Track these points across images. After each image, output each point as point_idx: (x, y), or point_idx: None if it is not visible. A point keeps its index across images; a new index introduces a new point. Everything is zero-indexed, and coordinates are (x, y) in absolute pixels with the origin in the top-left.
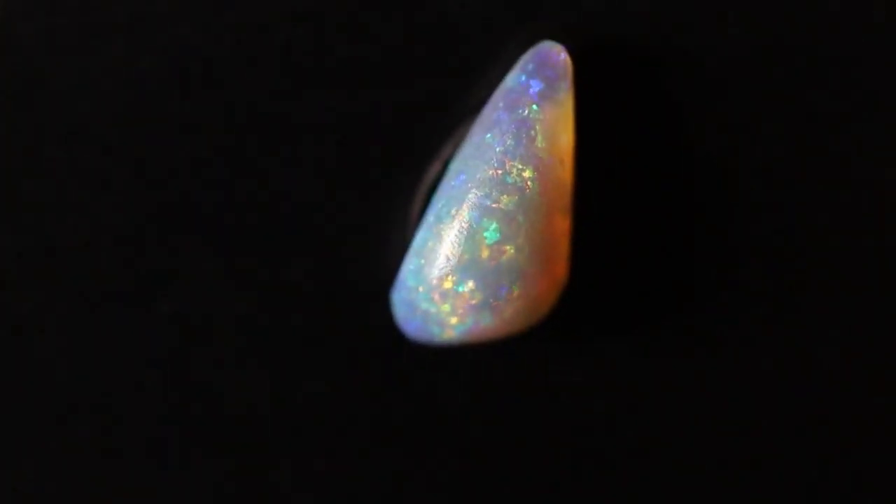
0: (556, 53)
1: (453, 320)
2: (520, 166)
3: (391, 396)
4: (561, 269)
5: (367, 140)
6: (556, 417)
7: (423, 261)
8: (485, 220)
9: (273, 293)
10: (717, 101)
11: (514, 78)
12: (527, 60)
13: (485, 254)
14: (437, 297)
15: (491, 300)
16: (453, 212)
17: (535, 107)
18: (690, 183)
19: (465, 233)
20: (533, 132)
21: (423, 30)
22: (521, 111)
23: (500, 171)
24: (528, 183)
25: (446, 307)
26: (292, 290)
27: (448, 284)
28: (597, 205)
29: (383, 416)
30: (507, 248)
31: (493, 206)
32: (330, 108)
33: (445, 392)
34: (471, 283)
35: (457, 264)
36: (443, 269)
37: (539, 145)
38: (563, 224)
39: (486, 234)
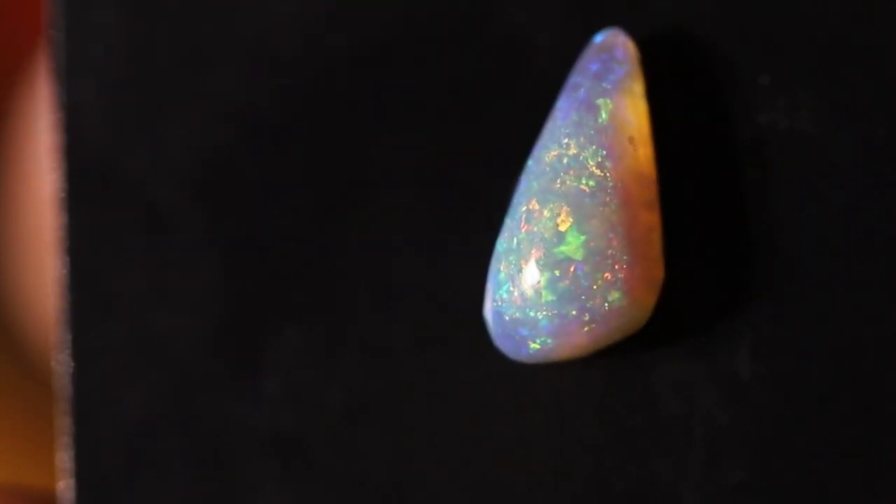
0: (614, 37)
1: (542, 322)
2: (585, 147)
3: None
4: (655, 267)
5: (447, 175)
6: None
7: (501, 265)
8: (552, 205)
9: (373, 354)
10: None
11: (575, 65)
12: (586, 49)
13: (560, 243)
14: (519, 300)
15: (574, 289)
16: (523, 207)
17: (594, 87)
18: (765, 178)
19: (537, 224)
20: (593, 112)
21: (489, 52)
22: (580, 92)
23: (561, 152)
24: (595, 164)
25: (532, 310)
26: (393, 346)
27: (528, 283)
28: (684, 201)
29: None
30: (582, 233)
31: (559, 187)
32: (404, 148)
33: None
34: (547, 275)
35: (533, 258)
36: (520, 267)
37: (602, 122)
38: (648, 218)
39: (557, 220)
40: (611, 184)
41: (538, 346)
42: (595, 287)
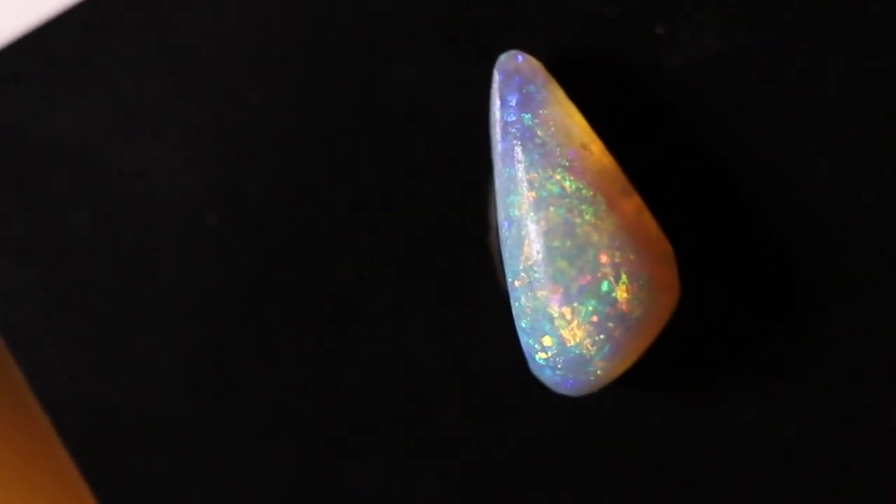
0: (512, 58)
1: (594, 354)
2: (547, 174)
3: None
4: (661, 244)
5: (423, 257)
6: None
7: (527, 320)
8: (547, 243)
9: (442, 451)
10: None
11: (493, 105)
12: (494, 81)
13: (571, 272)
14: (562, 344)
15: (606, 307)
16: (520, 260)
17: (525, 116)
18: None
19: (543, 268)
20: (537, 139)
21: (398, 120)
22: (514, 130)
23: (532, 194)
24: (566, 184)
25: (578, 348)
26: (452, 436)
27: (563, 325)
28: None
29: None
30: (588, 254)
31: (545, 225)
32: (370, 245)
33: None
34: (579, 308)
35: (555, 302)
36: (549, 314)
37: (551, 146)
38: (631, 204)
39: (560, 255)
40: (588, 195)
41: (599, 373)
42: (624, 296)
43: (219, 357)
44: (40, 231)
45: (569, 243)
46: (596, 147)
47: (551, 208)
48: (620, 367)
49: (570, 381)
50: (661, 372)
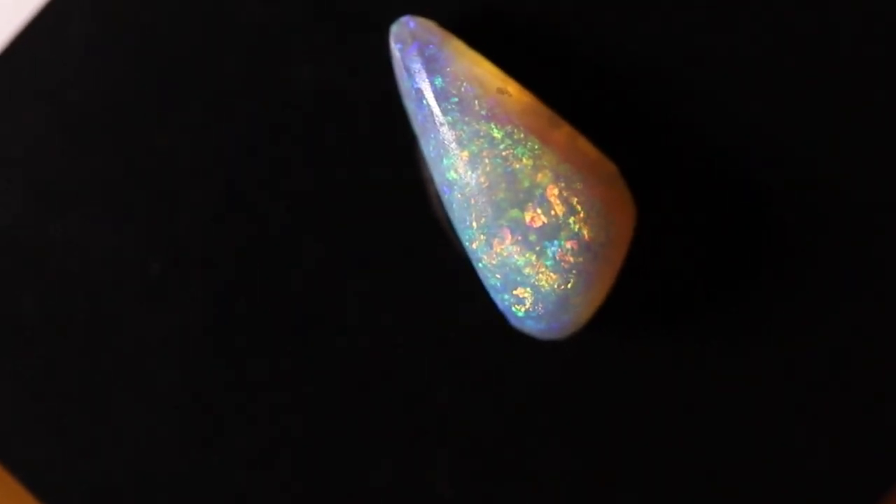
0: (406, 25)
1: (569, 290)
2: (473, 129)
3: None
4: (604, 165)
5: (375, 239)
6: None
7: (496, 278)
8: (493, 198)
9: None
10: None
11: (400, 77)
12: (393, 52)
13: (525, 217)
14: (538, 290)
15: (568, 242)
16: (471, 221)
17: (435, 80)
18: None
19: (495, 223)
20: (453, 98)
21: (313, 120)
22: (428, 95)
23: (465, 153)
24: (494, 132)
25: (555, 287)
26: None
27: (533, 272)
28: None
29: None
30: (537, 196)
31: (484, 181)
32: (309, 249)
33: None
34: (538, 248)
35: (517, 253)
36: (517, 266)
37: (467, 101)
38: (562, 133)
39: (510, 204)
40: (520, 136)
41: (579, 309)
42: (583, 226)
43: (201, 401)
44: None
45: (514, 190)
46: (512, 88)
47: (487, 160)
48: (597, 297)
49: (555, 325)
50: (639, 303)
